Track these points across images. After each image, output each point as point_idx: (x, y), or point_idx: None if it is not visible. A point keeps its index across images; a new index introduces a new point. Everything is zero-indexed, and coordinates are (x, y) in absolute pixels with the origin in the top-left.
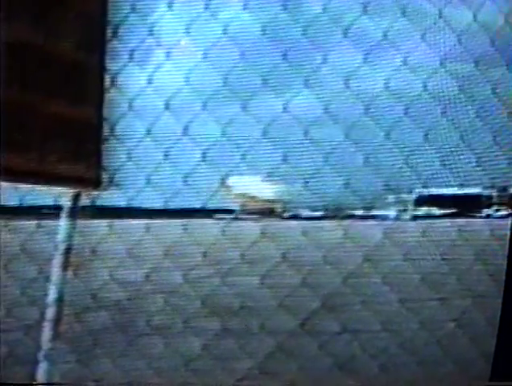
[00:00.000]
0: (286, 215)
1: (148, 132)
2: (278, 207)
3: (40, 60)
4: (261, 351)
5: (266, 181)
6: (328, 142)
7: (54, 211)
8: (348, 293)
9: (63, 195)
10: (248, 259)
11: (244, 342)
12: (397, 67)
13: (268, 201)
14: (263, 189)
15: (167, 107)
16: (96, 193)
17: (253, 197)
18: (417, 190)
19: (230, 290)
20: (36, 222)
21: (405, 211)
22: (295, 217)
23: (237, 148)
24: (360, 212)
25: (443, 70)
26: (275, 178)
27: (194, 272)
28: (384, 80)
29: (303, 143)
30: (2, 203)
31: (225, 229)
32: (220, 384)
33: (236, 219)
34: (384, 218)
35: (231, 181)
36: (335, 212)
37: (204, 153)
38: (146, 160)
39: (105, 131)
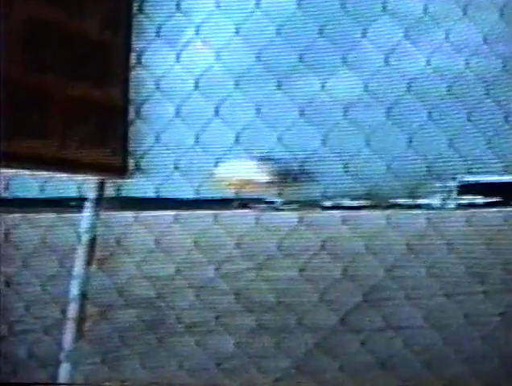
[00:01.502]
0: (326, 204)
1: (177, 113)
2: (274, 192)
3: (61, 39)
4: (299, 348)
5: (262, 164)
6: (368, 123)
7: (76, 202)
8: (391, 286)
9: (85, 183)
10: (285, 250)
11: (280, 339)
12: (439, 44)
13: (264, 185)
14: (259, 173)
15: (196, 86)
16: (121, 181)
17: (248, 181)
18: (461, 177)
19: (266, 284)
20: (57, 214)
21: (448, 199)
22: (335, 207)
23: (273, 130)
24: (402, 201)
25: (486, 48)
26: (314, 162)
27: (227, 265)
28: (426, 57)
29: (342, 125)
30: (21, 195)
31: (259, 219)
32: (255, 385)
33: (272, 208)
34: (427, 207)
35: (223, 167)
36: (377, 201)
37: (237, 135)
38: (175, 144)
39: (131, 113)
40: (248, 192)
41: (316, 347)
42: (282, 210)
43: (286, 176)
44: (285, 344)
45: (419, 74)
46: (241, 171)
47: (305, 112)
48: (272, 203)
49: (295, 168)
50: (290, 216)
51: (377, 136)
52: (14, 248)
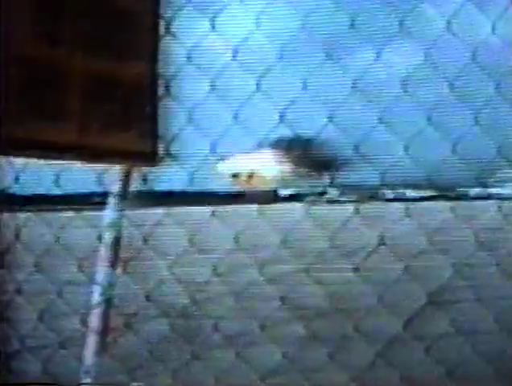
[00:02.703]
0: (385, 195)
1: (212, 88)
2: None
3: (78, 6)
4: (356, 359)
5: (270, 157)
6: (429, 98)
7: (97, 196)
8: (459, 286)
9: (108, 174)
10: (338, 248)
11: (335, 349)
12: (505, 8)
13: (272, 180)
14: (266, 167)
15: (234, 57)
16: (150, 169)
17: (254, 176)
18: None
19: (317, 287)
20: (75, 212)
21: None
22: (395, 198)
23: (322, 105)
24: (471, 190)
25: None
26: (368, 145)
27: (271, 266)
28: (491, 22)
29: (400, 99)
30: (33, 190)
31: (309, 213)
32: None
33: (326, 201)
34: (499, 196)
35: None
36: (442, 191)
37: (282, 112)
38: (211, 124)
39: (160, 91)
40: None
41: (376, 358)
42: (336, 202)
43: (332, 163)
44: (340, 355)
45: (484, 42)
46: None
47: (358, 87)
48: (324, 194)
49: (347, 152)
50: (344, 209)
51: (440, 113)
52: (26, 251)
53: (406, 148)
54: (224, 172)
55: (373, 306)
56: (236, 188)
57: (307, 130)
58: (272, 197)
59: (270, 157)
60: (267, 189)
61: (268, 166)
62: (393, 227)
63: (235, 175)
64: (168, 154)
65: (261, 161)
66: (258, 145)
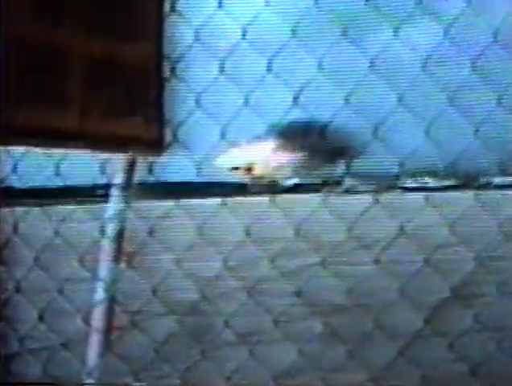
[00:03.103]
0: (405, 184)
1: (221, 70)
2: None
3: None
4: (376, 357)
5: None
6: (450, 79)
7: (100, 187)
8: (483, 279)
9: (110, 163)
10: (357, 239)
11: (354, 346)
12: None
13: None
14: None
15: (244, 35)
16: (156, 157)
17: (253, 167)
18: None
19: (334, 281)
20: (77, 203)
21: None
22: (415, 187)
23: (338, 86)
24: (495, 179)
25: None
26: (387, 128)
27: (286, 259)
28: None
29: (419, 80)
30: (34, 183)
31: (325, 203)
32: None
33: (345, 191)
34: None
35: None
36: (465, 180)
37: (296, 95)
38: (221, 107)
39: (166, 73)
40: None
41: (397, 355)
42: (354, 192)
43: (346, 150)
44: (359, 352)
45: (507, 20)
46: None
47: (375, 67)
48: (340, 183)
49: (364, 137)
50: (362, 199)
51: (462, 94)
52: (25, 246)
53: (426, 132)
54: (223, 166)
55: (394, 301)
56: (246, 180)
57: (322, 113)
58: (276, 188)
59: (270, 147)
60: (270, 180)
61: (268, 157)
62: (413, 218)
63: (234, 168)
64: (175, 141)
65: (260, 152)
66: (264, 134)
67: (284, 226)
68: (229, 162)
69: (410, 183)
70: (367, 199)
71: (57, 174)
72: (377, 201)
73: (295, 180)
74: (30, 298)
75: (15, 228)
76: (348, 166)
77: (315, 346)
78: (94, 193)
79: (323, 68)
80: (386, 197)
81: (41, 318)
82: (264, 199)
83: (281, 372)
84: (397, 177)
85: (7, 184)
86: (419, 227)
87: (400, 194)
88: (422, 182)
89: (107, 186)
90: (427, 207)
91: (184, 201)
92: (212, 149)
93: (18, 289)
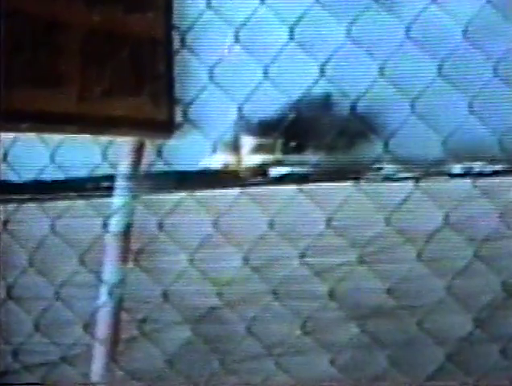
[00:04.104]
0: (453, 170)
1: (237, 39)
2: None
3: None
4: (422, 365)
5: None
6: (495, 46)
7: (103, 178)
8: None
9: (115, 148)
10: (399, 231)
11: (397, 353)
12: None
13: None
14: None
15: (262, 1)
16: (166, 140)
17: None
18: None
19: (374, 280)
20: (75, 197)
21: None
22: (464, 173)
23: (370, 56)
24: None
25: None
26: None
27: (316, 255)
28: None
29: (461, 48)
30: (26, 175)
31: (360, 192)
32: None
33: (385, 178)
34: None
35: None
36: None
37: (322, 66)
38: (237, 81)
39: (175, 45)
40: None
41: (445, 361)
42: (396, 179)
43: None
44: (403, 360)
45: None
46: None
47: (411, 35)
48: (380, 169)
49: (401, 113)
50: (402, 186)
51: (508, 64)
52: (17, 245)
53: (470, 105)
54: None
55: (440, 301)
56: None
57: (352, 86)
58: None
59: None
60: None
61: (253, 152)
62: (460, 205)
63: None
64: (186, 120)
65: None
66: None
67: (313, 218)
68: (217, 162)
69: (455, 169)
70: (407, 186)
71: (53, 161)
72: (418, 188)
73: (285, 170)
74: (23, 305)
75: (5, 225)
76: (385, 148)
77: (350, 354)
78: (96, 184)
79: (351, 37)
80: (429, 183)
81: (37, 327)
82: (290, 188)
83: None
84: (441, 161)
85: None
86: (467, 216)
87: (445, 180)
88: (468, 167)
89: (110, 177)
90: (473, 195)
91: (199, 191)
92: (227, 130)
93: (9, 295)
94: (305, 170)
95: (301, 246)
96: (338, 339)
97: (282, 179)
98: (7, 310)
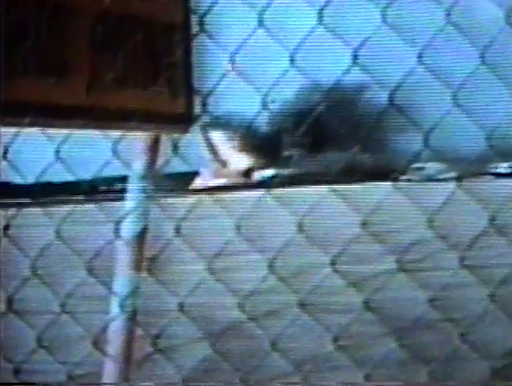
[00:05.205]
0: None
1: (260, 22)
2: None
3: None
4: (466, 380)
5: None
6: None
7: (112, 179)
8: None
9: (127, 143)
10: (438, 236)
11: (440, 369)
12: None
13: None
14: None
15: None
16: (183, 135)
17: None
18: None
19: (414, 290)
20: (81, 201)
21: None
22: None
23: (406, 42)
24: None
25: None
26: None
27: (350, 264)
28: None
29: (503, 33)
30: (28, 176)
31: (398, 192)
32: None
33: (426, 178)
34: None
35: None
36: None
37: (354, 53)
38: (261, 69)
39: (193, 29)
40: None
41: (490, 377)
42: (437, 179)
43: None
44: (445, 376)
45: None
46: None
47: (451, 19)
48: (421, 169)
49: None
50: (444, 186)
51: None
52: (19, 253)
53: None
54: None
55: (486, 311)
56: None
57: (388, 74)
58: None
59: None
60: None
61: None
62: (506, 209)
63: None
64: (205, 111)
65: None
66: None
67: (346, 221)
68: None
69: (501, 168)
70: (449, 186)
71: (58, 160)
72: (460, 188)
73: (271, 172)
74: (25, 318)
75: (6, 231)
76: (425, 144)
77: (387, 371)
78: (106, 186)
79: (386, 21)
80: (472, 184)
81: (40, 343)
82: (319, 188)
83: None
84: (485, 159)
85: None
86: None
87: (490, 179)
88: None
89: (122, 178)
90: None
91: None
92: (250, 122)
93: (10, 307)
94: (339, 168)
95: (332, 252)
96: (374, 354)
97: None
98: (8, 324)
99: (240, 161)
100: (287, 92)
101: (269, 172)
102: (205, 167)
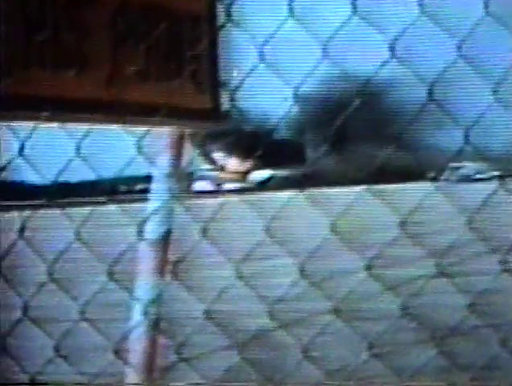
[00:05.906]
0: None
1: (290, 11)
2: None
3: None
4: None
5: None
6: None
7: (135, 178)
8: None
9: (151, 141)
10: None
11: (479, 376)
12: None
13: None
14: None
15: None
16: (210, 131)
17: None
18: None
19: (453, 295)
20: (104, 202)
21: None
22: None
23: (447, 32)
24: None
25: None
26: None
27: (385, 268)
28: None
29: None
30: (45, 176)
31: (439, 192)
32: None
33: (465, 178)
34: None
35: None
36: None
37: (391, 44)
38: (292, 61)
39: (220, 19)
40: None
41: None
42: (478, 179)
43: None
44: (486, 383)
45: None
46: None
47: (490, 10)
48: (459, 169)
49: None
50: (485, 185)
51: None
52: (35, 256)
53: None
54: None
55: None
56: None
57: (426, 65)
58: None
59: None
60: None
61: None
62: None
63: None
64: (233, 106)
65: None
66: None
67: (380, 223)
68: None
69: None
70: (489, 186)
71: (78, 157)
72: (502, 187)
73: (268, 174)
74: (42, 326)
75: (21, 234)
76: (466, 140)
77: (425, 379)
78: (128, 186)
79: (425, 12)
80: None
81: (58, 352)
82: (353, 189)
83: None
84: None
85: (9, 179)
86: None
87: None
88: None
89: (146, 177)
90: None
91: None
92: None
93: (25, 314)
94: (373, 167)
95: (368, 256)
96: (411, 363)
97: (340, 178)
98: (23, 332)
99: (238, 164)
100: (314, 87)
101: (266, 173)
102: (203, 173)
